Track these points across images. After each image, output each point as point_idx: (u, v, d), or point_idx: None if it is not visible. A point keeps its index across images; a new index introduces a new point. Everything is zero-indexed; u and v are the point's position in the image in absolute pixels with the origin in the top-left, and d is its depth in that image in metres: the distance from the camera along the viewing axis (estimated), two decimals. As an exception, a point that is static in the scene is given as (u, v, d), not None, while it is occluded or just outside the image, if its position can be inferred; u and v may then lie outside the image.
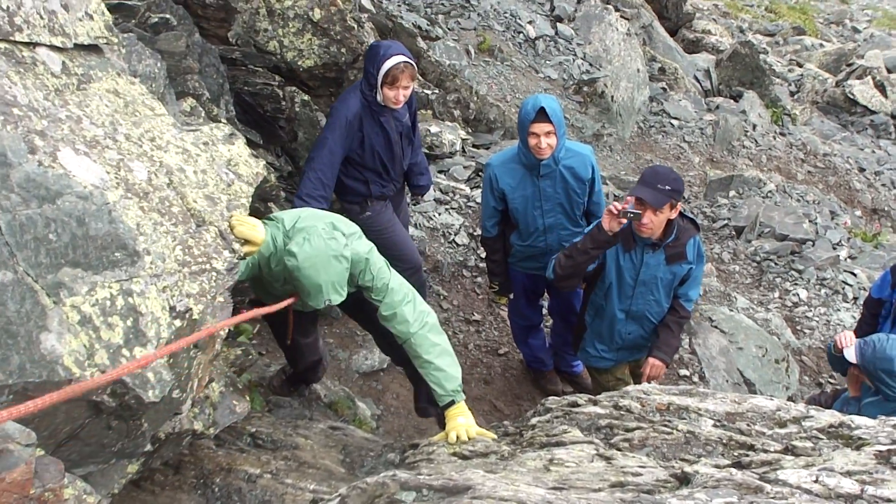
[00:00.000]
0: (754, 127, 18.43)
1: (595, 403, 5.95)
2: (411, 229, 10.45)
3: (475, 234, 11.44)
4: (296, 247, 5.43)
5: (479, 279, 10.97)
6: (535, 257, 8.51)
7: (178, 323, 3.97)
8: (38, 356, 3.32)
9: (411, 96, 8.15)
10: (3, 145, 3.55)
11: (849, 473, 4.09)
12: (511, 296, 9.00)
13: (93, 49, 4.95)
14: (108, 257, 3.76)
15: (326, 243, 5.49)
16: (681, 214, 7.31)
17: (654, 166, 7.61)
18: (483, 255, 10.81)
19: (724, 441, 5.07)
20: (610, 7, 18.47)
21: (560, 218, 8.14)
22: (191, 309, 4.10)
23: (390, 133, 8.17)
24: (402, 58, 7.65)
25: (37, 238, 3.49)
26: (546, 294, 9.21)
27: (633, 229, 7.19)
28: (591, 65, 17.00)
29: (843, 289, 13.10)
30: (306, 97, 9.83)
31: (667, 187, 6.87)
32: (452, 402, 5.99)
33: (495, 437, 5.88)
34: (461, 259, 11.13)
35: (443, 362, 6.00)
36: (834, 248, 13.83)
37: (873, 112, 21.15)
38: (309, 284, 5.50)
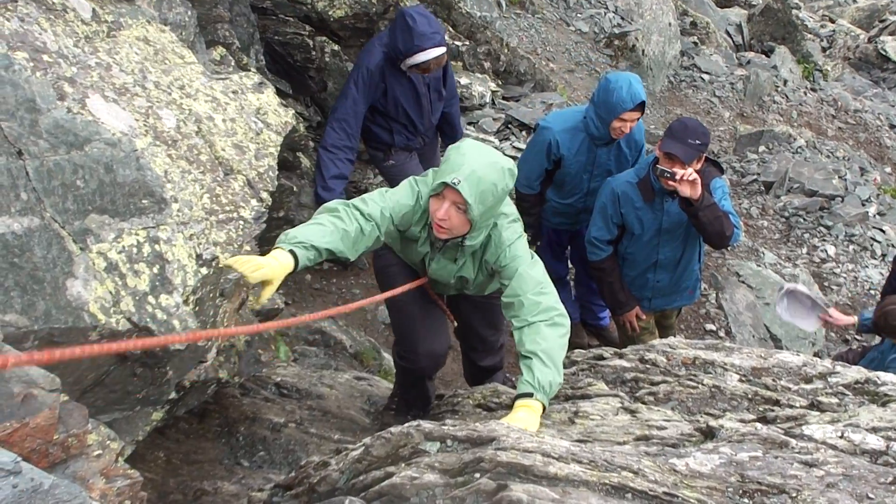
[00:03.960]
0: (785, 82, 18.29)
1: (621, 357, 5.95)
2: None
3: (503, 185, 11.40)
4: (471, 140, 5.13)
5: (506, 233, 10.94)
6: (568, 215, 8.48)
7: (204, 271, 3.98)
8: (64, 302, 3.33)
9: (447, 71, 8.28)
10: (32, 91, 3.56)
11: (874, 430, 4.08)
12: (538, 244, 8.94)
13: (123, -4, 4.94)
14: (135, 204, 3.76)
15: (498, 153, 5.07)
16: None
17: (683, 119, 7.51)
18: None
19: (750, 396, 5.06)
20: (643, -40, 18.35)
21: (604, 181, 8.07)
22: (217, 257, 4.10)
23: (417, 86, 8.14)
24: (438, 51, 7.70)
25: (64, 184, 3.50)
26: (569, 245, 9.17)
27: (653, 181, 7.13)
28: (622, 18, 16.90)
29: (872, 245, 13.03)
30: (336, 47, 9.81)
31: (697, 142, 6.82)
32: (530, 395, 4.97)
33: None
34: (488, 211, 11.09)
35: (547, 359, 5.05)
36: (863, 205, 13.73)
37: (906, 69, 20.98)
38: (455, 160, 4.89)
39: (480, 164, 4.86)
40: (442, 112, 8.83)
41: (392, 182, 6.03)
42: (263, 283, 4.27)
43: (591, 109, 7.77)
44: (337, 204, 4.86)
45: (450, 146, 5.07)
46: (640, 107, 7.49)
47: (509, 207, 5.47)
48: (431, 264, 5.56)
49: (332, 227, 4.68)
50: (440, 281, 5.73)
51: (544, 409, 4.93)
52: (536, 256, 5.48)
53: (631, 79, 7.56)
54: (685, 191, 6.80)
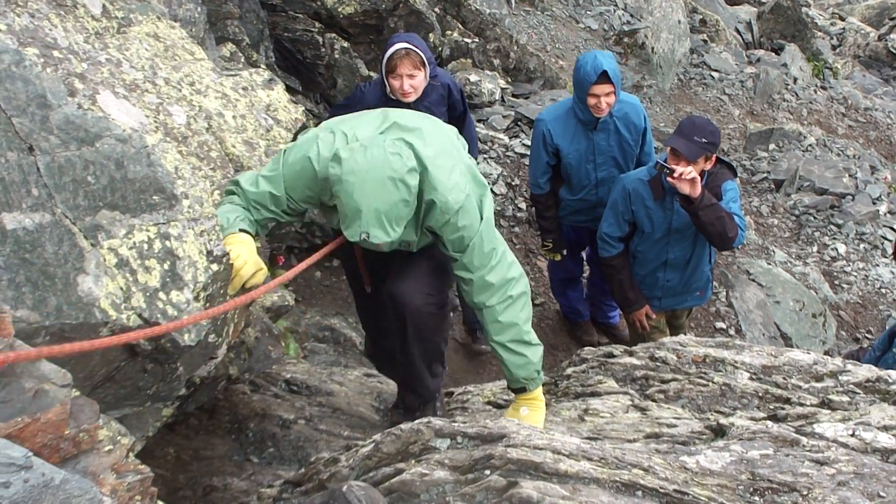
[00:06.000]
0: (795, 80, 18.28)
1: (631, 354, 5.95)
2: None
3: (513, 183, 11.41)
4: (346, 152, 4.35)
5: (516, 229, 10.95)
6: (584, 211, 8.47)
7: (214, 267, 3.97)
8: (75, 298, 3.33)
9: (452, 96, 7.91)
10: (43, 87, 3.56)
11: (885, 428, 4.09)
12: (564, 252, 8.93)
13: (133, -8, 4.95)
14: (145, 200, 3.76)
15: (387, 157, 4.35)
16: (716, 159, 7.25)
17: (692, 117, 7.58)
18: (521, 206, 10.78)
19: (760, 394, 5.07)
20: (652, -43, 18.35)
21: (612, 171, 8.10)
22: (227, 253, 4.10)
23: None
24: (403, 45, 7.34)
25: (75, 180, 3.50)
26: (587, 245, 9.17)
27: (664, 180, 7.13)
28: (631, 15, 16.90)
29: (882, 244, 13.02)
30: (346, 44, 9.84)
31: (703, 140, 6.83)
32: (524, 389, 5.04)
33: None
34: (499, 209, 11.10)
35: (515, 347, 4.93)
36: (874, 203, 13.71)
37: (916, 67, 20.97)
38: (347, 204, 4.31)
39: (375, 196, 4.29)
40: None
41: None
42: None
43: (574, 92, 7.90)
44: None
45: (333, 176, 4.40)
46: (605, 77, 7.51)
47: (458, 171, 4.86)
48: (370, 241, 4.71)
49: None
50: None
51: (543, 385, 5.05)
52: (488, 210, 4.97)
53: (597, 53, 7.68)
54: (684, 188, 6.83)
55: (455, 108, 7.97)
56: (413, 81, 7.38)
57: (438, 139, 4.88)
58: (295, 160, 4.63)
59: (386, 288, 5.38)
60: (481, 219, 4.85)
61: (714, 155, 7.01)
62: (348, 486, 3.40)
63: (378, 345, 6.15)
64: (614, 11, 16.87)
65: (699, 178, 6.84)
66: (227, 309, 4.06)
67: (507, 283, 4.89)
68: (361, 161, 4.30)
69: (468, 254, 4.81)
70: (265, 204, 4.62)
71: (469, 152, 7.79)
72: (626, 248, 7.77)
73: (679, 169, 6.80)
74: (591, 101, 7.65)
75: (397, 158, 4.38)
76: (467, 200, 4.77)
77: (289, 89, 7.04)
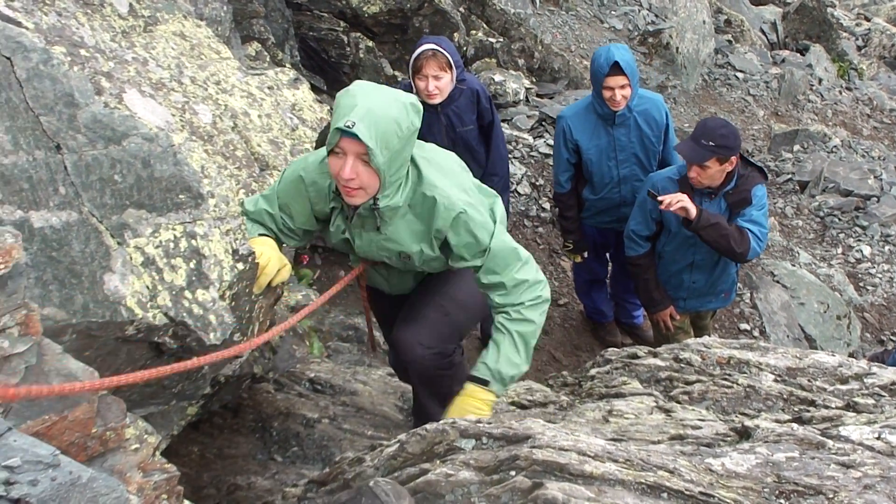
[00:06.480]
0: (820, 81, 18.23)
1: (655, 355, 5.94)
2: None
3: (537, 183, 11.41)
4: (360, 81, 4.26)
5: (540, 229, 10.95)
6: (608, 211, 8.45)
7: (240, 266, 3.98)
8: (102, 296, 3.34)
9: (481, 103, 7.84)
10: (70, 86, 3.57)
11: (911, 432, 4.06)
12: (585, 254, 8.92)
13: (160, -9, 4.97)
14: (172, 199, 3.77)
15: (395, 90, 4.30)
16: (747, 162, 7.23)
17: (707, 119, 7.52)
18: (546, 206, 10.78)
19: (785, 396, 5.05)
20: (677, -43, 18.33)
21: (634, 168, 8.09)
22: (253, 252, 4.11)
23: (435, 134, 7.61)
24: (430, 46, 7.32)
25: (102, 179, 3.51)
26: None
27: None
28: (656, 16, 16.88)
29: (908, 246, 12.99)
30: (371, 43, 9.85)
31: (710, 143, 6.77)
32: (486, 383, 4.65)
33: None
34: (523, 209, 11.10)
35: (520, 342, 4.63)
36: (899, 205, 13.68)
37: (942, 68, 20.89)
38: (344, 103, 4.07)
39: (376, 101, 4.08)
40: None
41: None
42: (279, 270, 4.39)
43: (592, 87, 7.91)
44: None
45: (339, 93, 4.23)
46: (618, 68, 7.51)
47: (457, 176, 4.75)
48: (356, 242, 4.74)
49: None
50: (376, 261, 4.95)
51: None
52: (500, 215, 4.81)
53: (610, 46, 7.70)
54: (680, 213, 6.82)
55: (483, 116, 7.90)
56: (439, 83, 7.37)
57: (440, 153, 4.81)
58: (289, 175, 4.58)
59: (392, 334, 5.23)
60: (494, 222, 4.65)
61: (734, 157, 6.96)
62: (375, 481, 3.41)
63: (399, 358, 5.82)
64: (639, 11, 16.85)
65: (687, 202, 6.81)
66: (269, 337, 4.08)
67: (538, 283, 4.67)
68: (371, 85, 4.22)
69: (491, 257, 4.56)
70: (263, 222, 4.60)
71: (497, 168, 7.78)
72: (652, 248, 7.75)
73: (666, 199, 6.81)
74: (607, 93, 7.66)
75: (406, 95, 4.25)
76: (473, 200, 4.62)
77: (313, 88, 7.05)
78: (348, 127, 3.96)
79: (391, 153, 4.13)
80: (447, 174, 4.62)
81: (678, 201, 6.77)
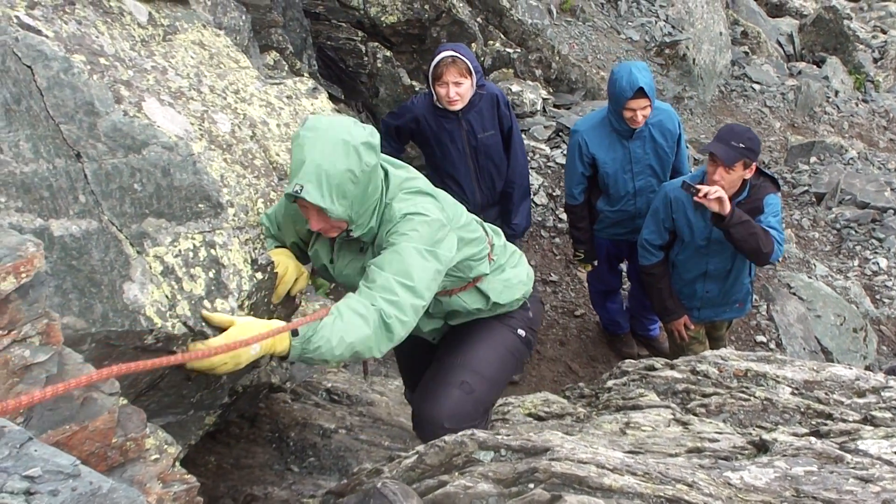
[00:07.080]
0: (836, 93, 18.23)
1: (672, 368, 5.94)
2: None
3: (554, 194, 11.41)
4: (313, 119, 4.09)
5: (556, 240, 10.95)
6: (622, 223, 8.48)
7: (259, 276, 3.98)
8: (121, 305, 3.33)
9: (500, 108, 7.84)
10: (90, 94, 3.57)
11: (930, 446, 4.05)
12: (595, 263, 8.92)
13: (179, 0, 4.97)
14: (191, 208, 3.77)
15: (350, 125, 4.10)
16: (759, 172, 7.22)
17: (732, 124, 7.55)
18: (563, 216, 10.77)
19: (802, 409, 5.04)
20: (694, -31, 18.32)
21: (650, 180, 8.12)
22: (272, 262, 4.10)
23: (456, 140, 7.70)
24: (449, 53, 7.37)
25: (122, 187, 3.50)
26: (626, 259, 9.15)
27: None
28: (673, 27, 16.88)
29: (925, 259, 12.95)
30: (388, 53, 9.86)
31: (741, 145, 6.78)
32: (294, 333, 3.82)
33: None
34: (539, 219, 11.11)
35: (348, 320, 3.90)
36: (916, 218, 13.65)
37: (959, 80, 20.85)
38: (295, 157, 3.97)
39: (325, 153, 3.93)
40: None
41: None
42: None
43: (609, 104, 7.90)
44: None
45: (293, 137, 4.09)
46: (642, 92, 7.51)
47: (411, 182, 4.46)
48: (337, 264, 4.56)
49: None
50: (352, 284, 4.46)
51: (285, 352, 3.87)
52: (437, 251, 4.26)
53: (632, 67, 7.66)
54: (713, 207, 6.79)
55: (503, 121, 7.93)
56: (459, 89, 7.42)
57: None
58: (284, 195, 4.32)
59: (413, 402, 5.06)
60: (433, 244, 4.23)
61: (754, 164, 6.96)
62: (382, 482, 3.41)
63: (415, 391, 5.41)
64: (656, 23, 16.86)
65: (724, 195, 6.79)
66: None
67: (402, 308, 4.08)
68: (325, 122, 4.06)
69: (391, 252, 4.18)
70: (273, 237, 4.62)
71: (516, 175, 7.77)
72: (665, 257, 7.75)
73: (704, 189, 6.78)
74: (628, 114, 7.68)
75: (360, 129, 4.11)
76: (427, 213, 4.28)
77: (331, 98, 7.06)
78: (296, 192, 3.91)
79: (350, 200, 4.05)
80: (413, 187, 4.42)
81: (716, 191, 6.74)
